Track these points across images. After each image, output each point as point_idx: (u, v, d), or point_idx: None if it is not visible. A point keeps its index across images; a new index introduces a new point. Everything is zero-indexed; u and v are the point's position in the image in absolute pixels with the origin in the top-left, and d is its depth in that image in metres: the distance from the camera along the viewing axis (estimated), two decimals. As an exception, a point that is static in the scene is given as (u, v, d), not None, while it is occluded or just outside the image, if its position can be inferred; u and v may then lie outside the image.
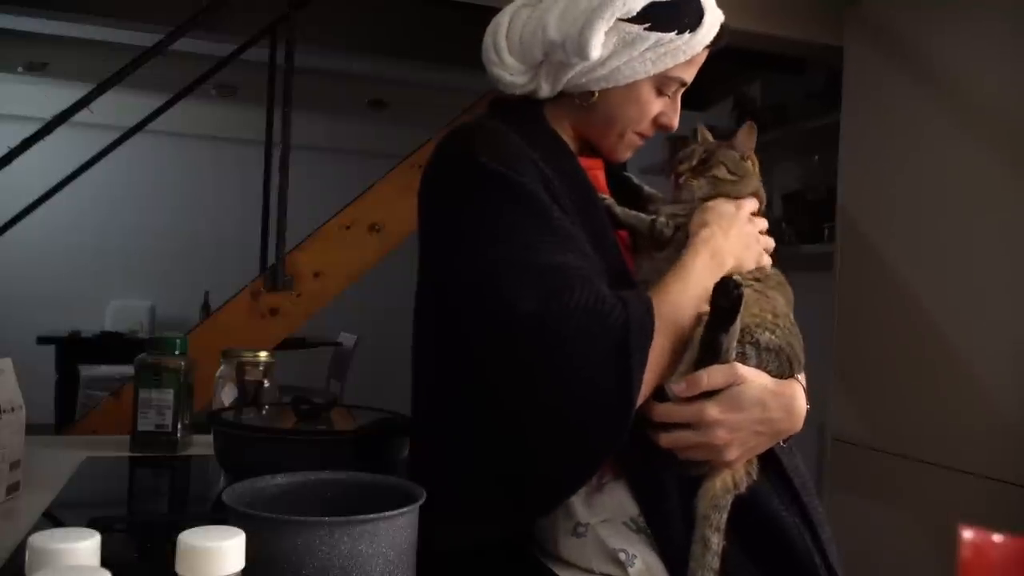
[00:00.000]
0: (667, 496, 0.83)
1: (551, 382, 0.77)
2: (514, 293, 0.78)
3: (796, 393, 0.86)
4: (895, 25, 2.40)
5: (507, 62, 0.95)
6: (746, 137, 0.97)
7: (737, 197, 0.95)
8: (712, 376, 0.80)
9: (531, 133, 0.94)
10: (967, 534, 0.34)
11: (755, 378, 0.82)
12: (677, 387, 0.80)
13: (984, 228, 2.06)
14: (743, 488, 0.83)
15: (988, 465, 1.98)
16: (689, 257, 0.87)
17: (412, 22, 4.21)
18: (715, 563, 0.80)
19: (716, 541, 0.80)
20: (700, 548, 0.80)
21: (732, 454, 0.82)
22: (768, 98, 3.63)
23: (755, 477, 0.85)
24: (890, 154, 2.38)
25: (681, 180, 0.96)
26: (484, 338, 0.81)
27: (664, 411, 0.81)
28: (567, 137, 0.99)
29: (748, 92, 3.74)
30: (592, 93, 0.95)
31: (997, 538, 0.34)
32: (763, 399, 0.82)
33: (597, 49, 0.89)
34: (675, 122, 0.99)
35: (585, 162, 0.98)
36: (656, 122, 0.99)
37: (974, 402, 2.05)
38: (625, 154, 1.01)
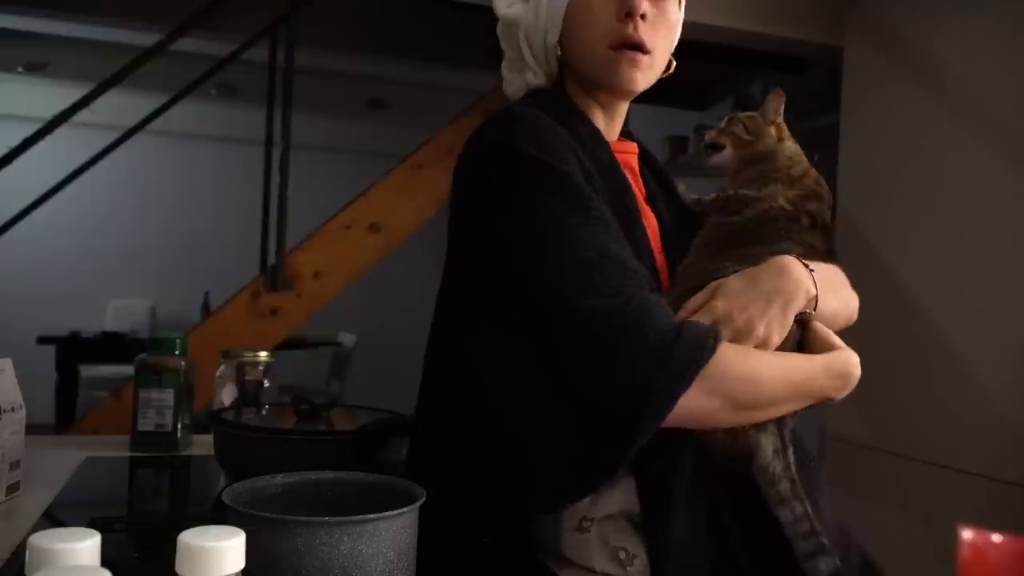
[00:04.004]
0: (670, 496, 0.82)
1: (554, 386, 0.75)
2: (566, 288, 0.77)
3: (783, 263, 0.85)
4: (895, 25, 2.39)
5: (530, 63, 0.98)
6: (772, 103, 1.06)
7: (753, 155, 1.02)
8: (693, 303, 0.84)
9: (569, 122, 0.92)
10: (966, 534, 0.34)
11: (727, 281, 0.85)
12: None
13: (984, 228, 2.06)
14: (791, 454, 0.83)
15: (988, 465, 1.98)
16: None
17: (412, 22, 4.22)
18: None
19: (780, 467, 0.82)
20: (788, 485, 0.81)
21: (759, 328, 0.82)
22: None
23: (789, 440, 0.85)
24: (890, 154, 2.38)
25: (707, 137, 1.06)
26: (519, 333, 0.79)
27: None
28: (599, 119, 0.98)
29: (748, 92, 3.74)
30: (561, 33, 0.94)
31: (997, 538, 0.34)
32: (747, 279, 0.84)
33: None
34: (639, 2, 0.91)
35: (619, 146, 0.97)
36: (622, 12, 0.91)
37: (974, 402, 2.04)
38: (628, 73, 0.93)
